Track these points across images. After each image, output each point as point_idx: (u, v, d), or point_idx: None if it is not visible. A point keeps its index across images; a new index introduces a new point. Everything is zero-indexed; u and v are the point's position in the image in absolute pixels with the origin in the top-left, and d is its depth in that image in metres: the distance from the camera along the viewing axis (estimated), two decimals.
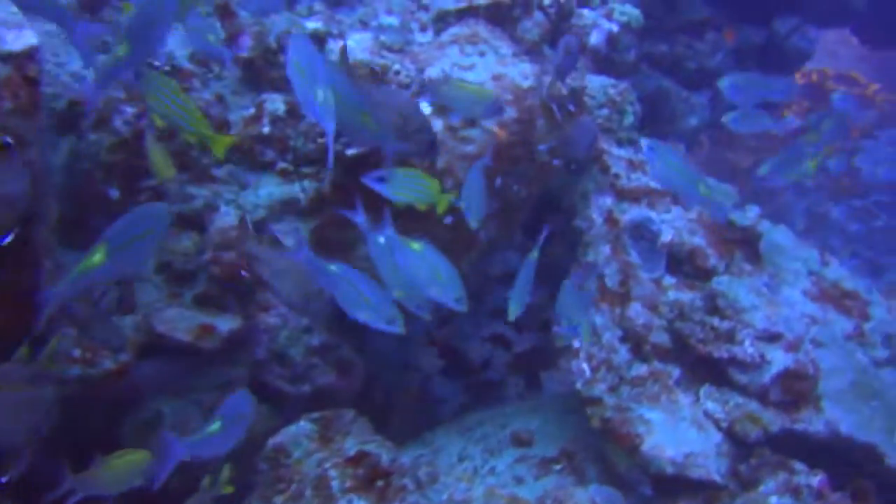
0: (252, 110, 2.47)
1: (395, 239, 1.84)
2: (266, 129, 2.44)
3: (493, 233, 2.67)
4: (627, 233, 2.74)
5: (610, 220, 2.77)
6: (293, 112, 2.45)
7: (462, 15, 2.75)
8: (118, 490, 1.81)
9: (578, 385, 2.47)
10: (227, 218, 2.40)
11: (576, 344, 2.50)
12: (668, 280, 2.69)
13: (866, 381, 2.52)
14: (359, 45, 2.54)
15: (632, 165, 2.94)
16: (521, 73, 2.53)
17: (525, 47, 2.87)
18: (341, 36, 2.61)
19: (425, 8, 2.81)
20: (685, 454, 2.31)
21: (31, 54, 1.66)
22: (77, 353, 2.08)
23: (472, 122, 2.42)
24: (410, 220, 2.17)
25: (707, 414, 2.42)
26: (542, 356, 3.20)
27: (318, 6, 2.71)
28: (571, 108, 2.76)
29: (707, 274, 2.70)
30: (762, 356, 2.47)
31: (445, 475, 2.43)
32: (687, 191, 2.02)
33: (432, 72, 2.49)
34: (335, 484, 2.02)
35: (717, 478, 2.30)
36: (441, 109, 2.41)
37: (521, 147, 2.52)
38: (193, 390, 2.35)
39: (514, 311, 1.93)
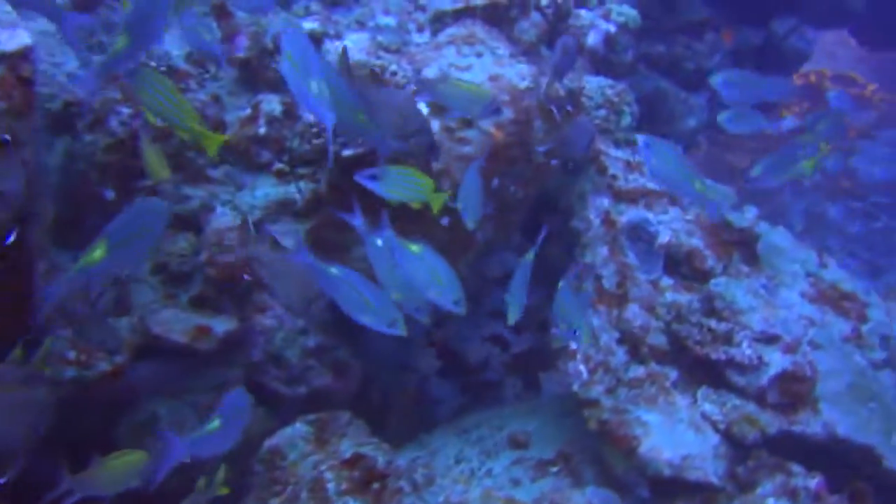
0: (248, 111, 2.47)
1: (394, 241, 1.83)
2: (262, 130, 2.43)
3: (490, 234, 2.66)
4: (625, 234, 2.74)
5: (607, 221, 2.76)
6: (289, 113, 2.44)
7: (459, 15, 2.74)
8: (116, 490, 1.81)
9: (575, 387, 2.46)
10: (223, 219, 2.39)
11: (573, 345, 2.49)
12: (666, 281, 2.69)
13: (864, 383, 2.52)
14: (355, 45, 2.53)
15: (629, 166, 2.93)
16: (518, 73, 2.53)
17: (522, 48, 2.86)
18: (338, 36, 2.61)
19: (422, 8, 2.80)
20: (682, 456, 2.30)
21: (25, 54, 1.65)
22: (72, 354, 2.08)
23: (468, 123, 2.41)
24: (407, 222, 2.17)
25: (704, 416, 2.41)
26: (540, 357, 3.19)
27: (314, 6, 2.71)
28: (569, 108, 2.75)
29: (705, 275, 2.69)
30: (760, 358, 2.46)
31: (442, 477, 2.43)
32: (682, 187, 2.01)
33: (429, 72, 2.48)
34: (331, 486, 2.02)
35: (714, 480, 2.29)
36: (438, 110, 2.40)
37: (518, 148, 2.52)
38: (189, 392, 2.34)
39: (513, 316, 1.93)
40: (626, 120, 3.11)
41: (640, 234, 2.75)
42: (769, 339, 2.52)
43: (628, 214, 2.78)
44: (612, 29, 3.39)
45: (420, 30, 2.76)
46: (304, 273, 1.88)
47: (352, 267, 1.89)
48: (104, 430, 2.25)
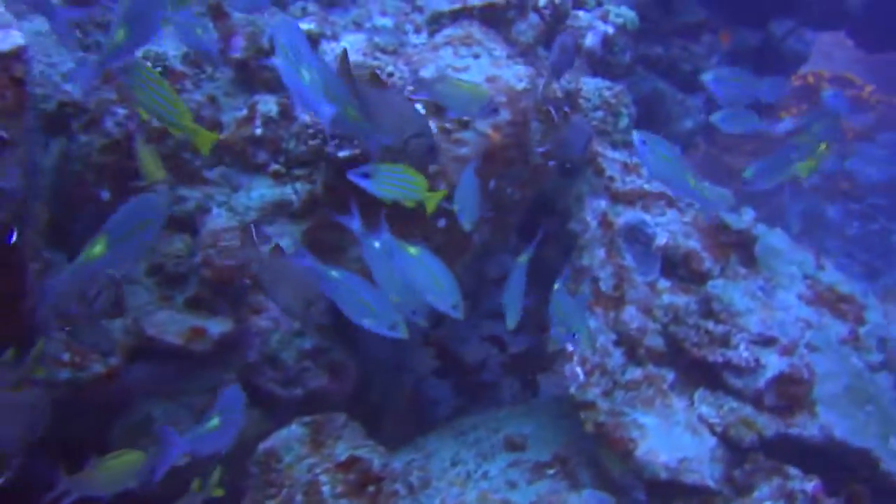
0: (244, 112, 2.46)
1: (392, 243, 1.83)
2: (258, 131, 2.43)
3: (487, 236, 2.65)
4: (622, 236, 2.73)
5: (604, 223, 2.76)
6: (286, 113, 2.43)
7: (456, 16, 2.73)
8: (113, 490, 1.81)
9: (572, 389, 2.45)
10: (218, 220, 2.39)
11: (569, 347, 2.48)
12: (663, 283, 2.68)
13: (861, 385, 2.52)
14: (352, 46, 2.52)
15: (626, 168, 2.93)
16: (516, 75, 2.52)
17: (520, 49, 2.85)
18: (334, 37, 2.60)
19: (419, 9, 2.79)
20: (679, 459, 2.30)
21: (17, 54, 1.64)
22: (66, 356, 2.07)
23: (465, 125, 2.40)
24: (403, 224, 2.16)
25: (701, 418, 2.40)
26: (537, 358, 3.19)
27: (311, 7, 2.70)
28: (566, 109, 2.75)
29: (702, 277, 2.69)
30: (757, 360, 2.46)
31: (438, 480, 2.42)
32: (678, 183, 2.01)
33: (426, 73, 2.47)
34: (326, 489, 2.01)
35: (711, 483, 2.28)
36: (435, 111, 2.39)
37: (515, 149, 2.51)
38: (184, 393, 2.34)
39: (511, 321, 1.92)
40: (624, 122, 3.10)
41: (637, 236, 2.75)
42: (766, 342, 2.52)
43: (625, 216, 2.78)
44: (610, 30, 3.38)
45: (417, 31, 2.75)
46: (303, 276, 1.88)
47: (347, 268, 1.88)
48: (98, 432, 2.24)
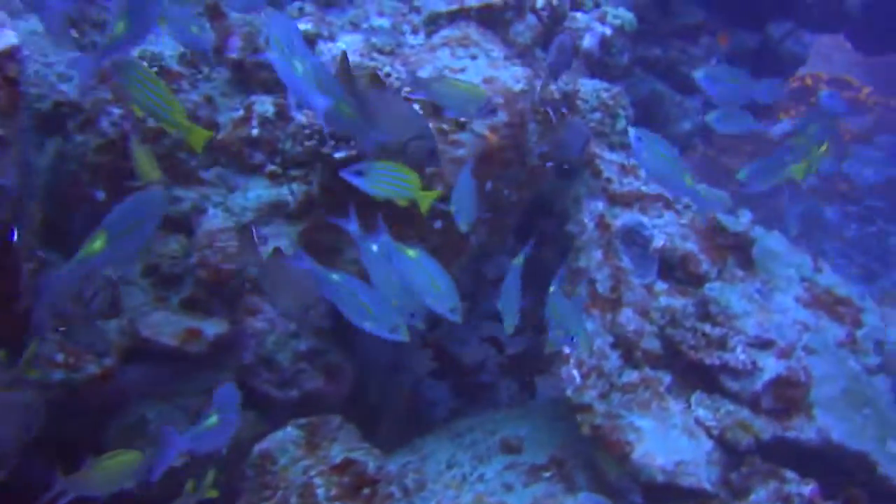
0: (241, 112, 2.45)
1: (391, 246, 1.82)
2: (255, 132, 2.42)
3: (484, 237, 2.64)
4: (619, 238, 2.72)
5: (602, 224, 2.75)
6: (282, 114, 2.42)
7: (453, 17, 2.72)
8: (109, 490, 1.82)
9: (568, 391, 2.45)
10: (214, 220, 2.38)
11: (566, 350, 2.48)
12: (660, 286, 2.67)
13: (858, 388, 2.51)
14: (349, 47, 2.52)
15: (624, 170, 2.92)
16: (513, 76, 2.51)
17: (517, 51, 2.85)
18: (331, 38, 2.59)
19: (417, 10, 2.78)
20: (676, 462, 2.29)
21: (11, 54, 1.63)
22: (60, 357, 2.06)
23: (462, 126, 2.39)
24: (399, 225, 2.15)
25: (698, 421, 2.40)
26: (535, 359, 3.18)
27: (308, 7, 2.69)
28: (564, 110, 2.74)
29: (699, 280, 2.68)
30: (754, 363, 2.45)
31: (433, 482, 2.41)
32: (673, 181, 2.00)
33: (423, 74, 2.46)
34: (320, 492, 2.00)
35: (707, 486, 2.28)
36: (432, 112, 2.38)
37: (512, 151, 2.50)
38: (179, 395, 2.33)
39: (509, 326, 1.91)
40: (622, 123, 3.10)
41: (634, 238, 2.74)
42: (763, 344, 2.51)
43: (623, 218, 2.77)
44: (608, 32, 3.38)
45: (414, 31, 2.74)
46: (303, 280, 1.88)
47: (344, 269, 1.87)
48: (93, 434, 2.23)
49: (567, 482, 2.43)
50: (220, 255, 2.31)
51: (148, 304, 2.32)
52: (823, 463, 2.39)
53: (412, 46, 2.67)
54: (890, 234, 6.05)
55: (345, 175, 1.85)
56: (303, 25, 2.56)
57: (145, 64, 2.35)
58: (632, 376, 2.48)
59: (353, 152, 2.29)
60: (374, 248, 1.86)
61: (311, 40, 2.55)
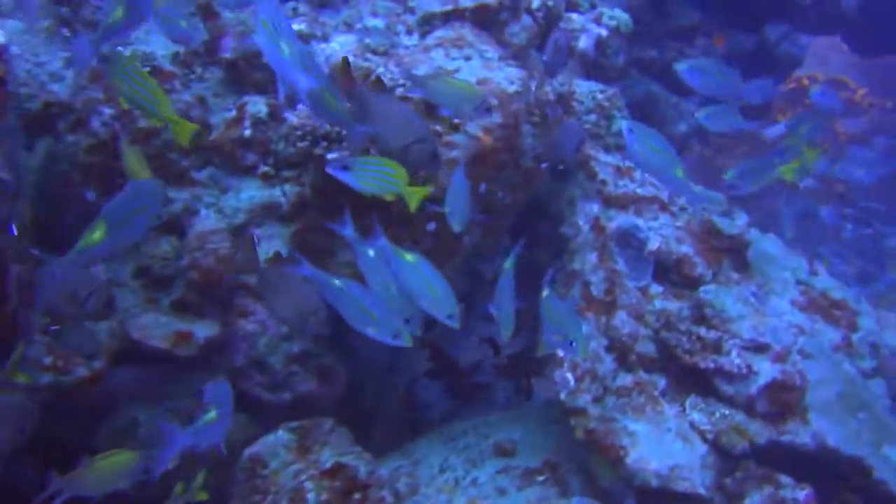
0: (234, 112, 2.43)
1: (389, 250, 1.81)
2: (247, 133, 2.40)
3: (478, 239, 2.63)
4: (614, 240, 2.71)
5: (597, 227, 2.74)
6: (275, 115, 2.41)
7: (448, 18, 2.71)
8: (104, 490, 1.81)
9: (562, 395, 2.43)
10: (206, 222, 2.36)
11: (560, 353, 2.46)
12: (655, 289, 2.66)
13: (854, 392, 2.50)
14: (343, 47, 2.50)
15: (619, 172, 2.90)
16: (507, 77, 2.49)
17: (512, 51, 2.83)
18: (325, 38, 2.57)
19: (411, 10, 2.77)
20: (670, 466, 2.28)
21: None
22: (48, 360, 2.04)
23: (455, 128, 2.38)
24: (393, 227, 2.13)
25: (693, 425, 2.39)
26: (531, 361, 3.17)
27: (302, 8, 2.67)
28: (560, 111, 2.73)
29: (694, 283, 2.67)
30: (749, 367, 2.44)
31: (426, 486, 2.39)
32: (664, 173, 1.98)
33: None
34: (311, 497, 1.99)
35: (702, 491, 2.26)
36: (426, 113, 2.37)
37: (506, 153, 2.49)
38: (170, 397, 2.31)
39: (505, 333, 1.90)
40: (617, 125, 3.08)
41: (629, 241, 2.73)
42: (758, 348, 2.50)
43: (618, 220, 2.75)
44: (604, 33, 3.37)
45: (409, 32, 2.72)
46: (303, 287, 1.86)
47: (337, 271, 1.85)
48: (83, 437, 2.21)
49: (561, 486, 2.41)
50: (212, 257, 2.29)
51: (139, 305, 2.30)
52: (818, 468, 2.38)
53: (406, 47, 2.65)
54: (886, 237, 6.04)
55: (330, 170, 1.84)
56: (297, 26, 2.54)
57: (130, 55, 2.33)
58: (626, 380, 2.46)
59: (346, 153, 2.27)
60: (371, 252, 1.85)
61: (304, 41, 2.54)
